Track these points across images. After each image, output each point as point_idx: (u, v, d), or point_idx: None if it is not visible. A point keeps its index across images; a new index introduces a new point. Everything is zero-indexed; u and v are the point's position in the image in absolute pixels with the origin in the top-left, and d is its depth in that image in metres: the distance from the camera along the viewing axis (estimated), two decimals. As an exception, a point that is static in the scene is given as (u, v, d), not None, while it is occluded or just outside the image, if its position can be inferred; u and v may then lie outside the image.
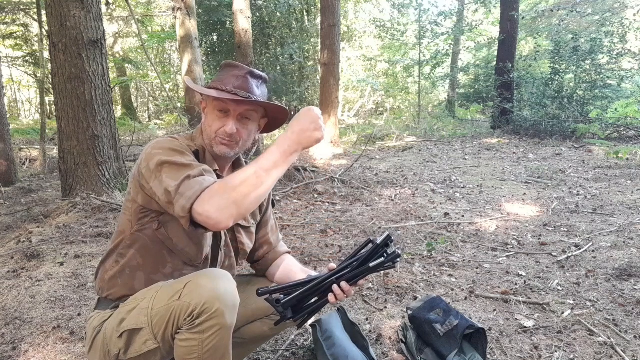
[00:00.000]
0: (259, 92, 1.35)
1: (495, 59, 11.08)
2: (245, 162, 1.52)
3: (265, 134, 1.47)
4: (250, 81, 1.33)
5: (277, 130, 1.55)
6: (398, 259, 1.25)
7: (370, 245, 1.26)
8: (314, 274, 1.46)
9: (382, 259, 1.23)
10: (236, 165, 1.49)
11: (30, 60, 11.60)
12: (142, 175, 1.26)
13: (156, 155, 1.24)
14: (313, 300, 1.28)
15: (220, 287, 1.14)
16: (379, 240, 1.24)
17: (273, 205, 1.64)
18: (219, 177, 1.40)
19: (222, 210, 1.11)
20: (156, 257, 1.31)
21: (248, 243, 1.51)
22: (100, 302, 1.40)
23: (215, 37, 14.13)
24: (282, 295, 1.25)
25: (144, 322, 1.20)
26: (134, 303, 1.26)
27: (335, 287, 1.26)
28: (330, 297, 1.26)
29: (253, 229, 1.54)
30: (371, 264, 1.24)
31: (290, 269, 1.53)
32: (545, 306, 2.24)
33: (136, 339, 1.22)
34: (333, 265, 1.32)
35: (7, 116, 5.64)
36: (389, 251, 1.25)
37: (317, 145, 1.22)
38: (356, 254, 1.30)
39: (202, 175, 1.19)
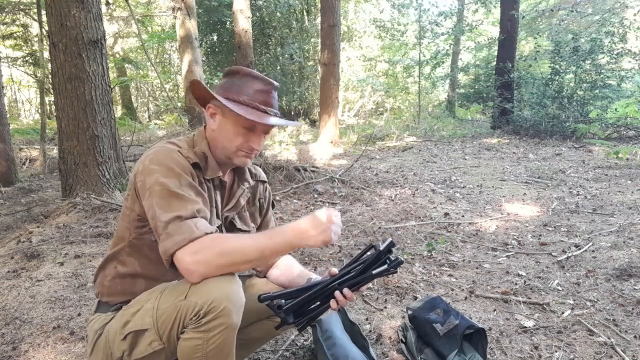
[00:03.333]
0: (276, 104, 1.36)
1: (495, 59, 11.09)
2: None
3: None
4: (274, 95, 1.34)
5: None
6: (400, 266, 1.25)
7: (373, 250, 1.26)
8: (314, 275, 1.45)
9: (385, 265, 1.23)
10: (236, 168, 1.47)
11: (30, 60, 11.59)
12: (137, 188, 1.26)
13: (153, 172, 1.21)
14: (314, 306, 1.28)
15: (227, 286, 1.14)
16: (382, 246, 1.23)
17: (273, 207, 1.64)
18: (221, 182, 1.40)
19: (200, 265, 1.12)
20: (157, 265, 1.30)
21: None
22: (101, 305, 1.40)
23: (215, 37, 14.13)
24: (283, 301, 1.25)
25: (149, 322, 1.20)
26: (138, 305, 1.25)
27: (337, 293, 1.25)
28: (332, 303, 1.26)
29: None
30: (374, 271, 1.23)
31: (291, 270, 1.52)
32: (545, 306, 2.24)
33: (141, 341, 1.21)
34: (334, 270, 1.31)
35: (7, 116, 5.63)
36: (392, 257, 1.24)
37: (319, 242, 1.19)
38: (358, 259, 1.30)
39: (195, 217, 1.18)
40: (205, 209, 1.23)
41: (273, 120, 1.29)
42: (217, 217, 1.37)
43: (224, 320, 1.12)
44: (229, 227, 1.44)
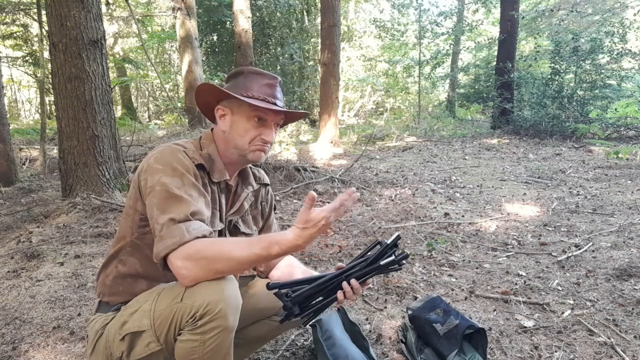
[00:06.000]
0: (282, 97, 1.40)
1: (495, 59, 11.09)
2: (250, 167, 1.51)
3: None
4: (279, 89, 1.38)
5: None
6: (406, 259, 1.26)
7: (379, 246, 1.27)
8: (316, 275, 1.45)
9: (392, 257, 1.24)
10: (241, 171, 1.48)
11: (30, 60, 11.59)
12: (140, 186, 1.26)
13: (157, 172, 1.22)
14: (320, 298, 1.28)
15: (223, 288, 1.14)
16: (389, 240, 1.25)
17: (274, 209, 1.64)
18: (227, 185, 1.40)
19: (190, 270, 1.12)
20: (157, 266, 1.29)
21: None
22: (102, 305, 1.39)
23: (215, 37, 14.14)
24: (290, 291, 1.25)
25: (147, 324, 1.20)
26: (136, 305, 1.25)
27: (344, 284, 1.25)
28: (339, 294, 1.25)
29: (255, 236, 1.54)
30: (382, 262, 1.24)
31: (293, 270, 1.52)
32: (545, 306, 2.24)
33: (139, 342, 1.22)
34: (341, 264, 1.32)
35: (7, 116, 5.63)
36: (397, 252, 1.25)
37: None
38: (364, 255, 1.31)
39: (188, 220, 1.17)
40: (203, 211, 1.23)
41: (281, 107, 1.34)
42: (221, 220, 1.37)
43: (220, 322, 1.12)
44: (233, 230, 1.44)
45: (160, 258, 1.15)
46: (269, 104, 1.32)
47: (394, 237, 1.25)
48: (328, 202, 4.75)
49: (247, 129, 1.33)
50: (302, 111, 1.45)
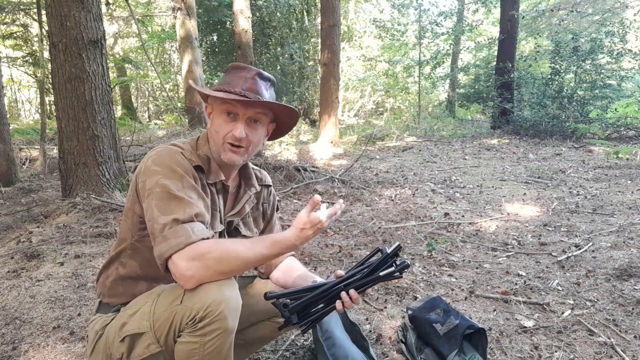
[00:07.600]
0: (268, 94, 1.31)
1: (495, 59, 11.09)
2: (252, 167, 1.49)
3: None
4: (259, 83, 1.29)
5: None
6: (407, 269, 1.25)
7: (379, 254, 1.26)
8: (317, 277, 1.45)
9: (392, 268, 1.23)
10: (243, 172, 1.45)
11: (30, 60, 11.59)
12: (138, 189, 1.25)
13: (155, 174, 1.20)
14: (319, 307, 1.27)
15: (222, 290, 1.13)
16: (389, 249, 1.24)
17: (277, 210, 1.63)
18: (224, 186, 1.37)
19: (196, 271, 1.11)
20: (157, 268, 1.27)
21: None
22: (102, 305, 1.39)
23: (215, 37, 14.15)
24: (288, 300, 1.24)
25: (146, 326, 1.19)
26: (135, 307, 1.25)
27: (343, 294, 1.24)
28: (338, 304, 1.25)
29: None
30: (381, 273, 1.24)
31: (294, 272, 1.51)
32: (545, 306, 2.24)
33: (138, 343, 1.21)
34: (340, 272, 1.31)
35: (7, 116, 5.63)
36: (398, 261, 1.25)
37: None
38: (364, 262, 1.30)
39: (192, 221, 1.16)
40: (204, 213, 1.22)
41: (250, 98, 1.23)
42: (220, 221, 1.35)
43: (220, 324, 1.12)
44: (233, 232, 1.42)
45: (163, 259, 1.13)
46: (235, 96, 1.22)
47: (394, 246, 1.24)
48: (328, 202, 4.74)
49: (220, 124, 1.28)
50: (285, 104, 1.32)
